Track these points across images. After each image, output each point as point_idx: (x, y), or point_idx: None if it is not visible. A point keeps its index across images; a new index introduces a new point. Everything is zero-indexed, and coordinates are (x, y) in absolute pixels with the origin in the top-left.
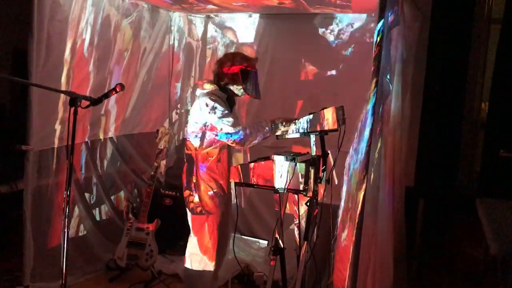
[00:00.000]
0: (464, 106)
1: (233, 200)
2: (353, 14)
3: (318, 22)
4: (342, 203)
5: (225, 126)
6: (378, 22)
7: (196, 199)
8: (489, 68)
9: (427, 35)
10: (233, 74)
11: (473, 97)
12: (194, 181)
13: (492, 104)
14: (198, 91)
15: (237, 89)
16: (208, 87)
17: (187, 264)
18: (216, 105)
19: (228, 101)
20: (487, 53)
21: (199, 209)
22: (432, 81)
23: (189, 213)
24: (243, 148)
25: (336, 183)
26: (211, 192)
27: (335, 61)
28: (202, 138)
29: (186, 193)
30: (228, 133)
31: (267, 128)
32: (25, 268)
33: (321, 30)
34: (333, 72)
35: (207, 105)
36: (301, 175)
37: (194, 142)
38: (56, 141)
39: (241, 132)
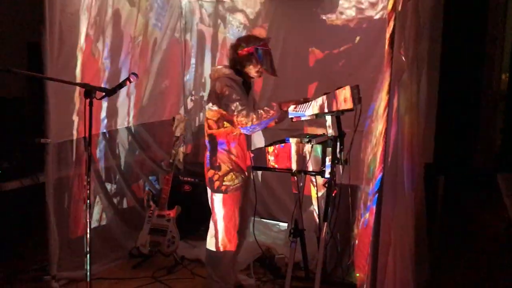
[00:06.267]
0: (483, 78)
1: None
2: None
3: (330, 1)
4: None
5: (234, 110)
6: None
7: (219, 178)
8: (508, 36)
9: (441, 7)
10: (248, 55)
11: (492, 68)
12: (217, 160)
13: None
14: (215, 76)
15: (253, 69)
16: (225, 71)
17: (209, 245)
18: (229, 90)
19: (244, 85)
20: (506, 21)
21: (222, 188)
22: (449, 55)
23: (211, 194)
24: (251, 133)
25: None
26: (232, 173)
27: (349, 41)
28: (219, 121)
29: (210, 173)
30: (236, 117)
31: (273, 112)
32: (51, 259)
33: (333, 10)
34: (347, 51)
35: (221, 89)
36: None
37: (213, 123)
38: (75, 133)
39: (246, 117)
